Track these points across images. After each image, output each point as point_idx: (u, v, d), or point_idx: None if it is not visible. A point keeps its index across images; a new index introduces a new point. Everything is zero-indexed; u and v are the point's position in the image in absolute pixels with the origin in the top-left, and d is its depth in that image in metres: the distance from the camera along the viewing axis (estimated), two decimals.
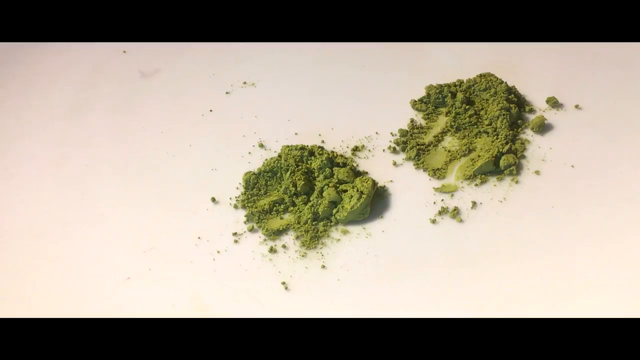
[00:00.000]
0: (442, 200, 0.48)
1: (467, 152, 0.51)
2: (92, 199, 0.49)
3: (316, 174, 0.49)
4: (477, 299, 0.42)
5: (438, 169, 0.50)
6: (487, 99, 0.54)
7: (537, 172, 0.49)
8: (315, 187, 0.48)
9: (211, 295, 0.43)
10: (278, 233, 0.46)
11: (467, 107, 0.53)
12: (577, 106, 0.54)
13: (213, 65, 0.61)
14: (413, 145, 0.51)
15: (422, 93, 0.56)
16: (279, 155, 0.50)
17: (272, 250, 0.45)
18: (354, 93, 0.57)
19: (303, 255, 0.45)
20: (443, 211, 0.47)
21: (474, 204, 0.48)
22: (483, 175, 0.49)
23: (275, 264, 0.45)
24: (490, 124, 0.52)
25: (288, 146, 0.50)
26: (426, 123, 0.54)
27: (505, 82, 0.55)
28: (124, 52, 0.63)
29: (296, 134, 0.53)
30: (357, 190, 0.47)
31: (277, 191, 0.49)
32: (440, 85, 0.55)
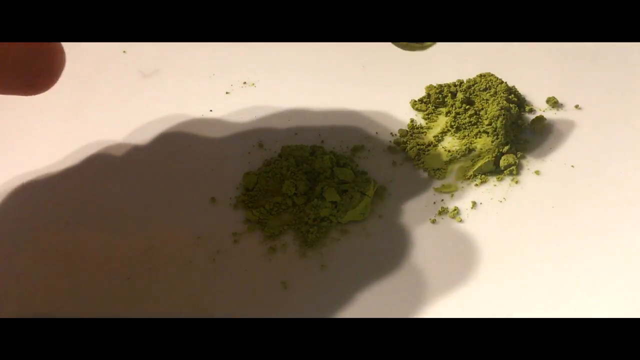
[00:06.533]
0: (442, 200, 0.48)
1: (467, 152, 0.51)
2: (91, 199, 0.49)
3: (316, 174, 0.49)
4: (477, 299, 0.42)
5: (438, 169, 0.50)
6: (487, 99, 0.54)
7: (537, 172, 0.49)
8: (315, 187, 0.48)
9: (211, 295, 0.43)
10: (278, 233, 0.46)
11: (467, 107, 0.53)
12: (577, 106, 0.54)
13: (213, 65, 0.61)
14: (413, 145, 0.51)
15: (422, 93, 0.56)
16: (279, 155, 0.50)
17: (272, 250, 0.45)
18: (354, 93, 0.57)
19: (303, 255, 0.45)
20: (443, 211, 0.47)
21: (474, 204, 0.48)
22: (483, 175, 0.49)
23: (275, 264, 0.45)
24: (490, 124, 0.52)
25: (288, 146, 0.50)
26: (426, 123, 0.54)
27: (505, 82, 0.55)
28: (124, 52, 0.63)
29: (296, 134, 0.53)
30: (357, 191, 0.47)
31: (277, 191, 0.48)
32: (440, 85, 0.55)
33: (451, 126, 0.53)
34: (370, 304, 0.43)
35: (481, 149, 0.51)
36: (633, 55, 0.58)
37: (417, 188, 0.49)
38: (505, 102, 0.53)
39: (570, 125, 0.53)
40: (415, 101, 0.55)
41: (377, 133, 0.53)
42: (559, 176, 0.49)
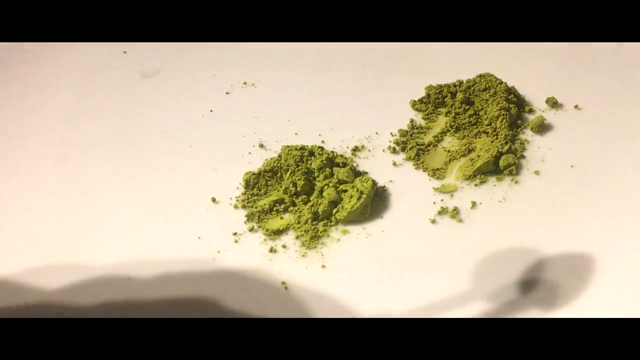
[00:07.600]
0: (442, 200, 0.48)
1: (466, 152, 0.51)
2: (92, 199, 0.49)
3: (316, 174, 0.49)
4: (477, 299, 0.42)
5: (438, 169, 0.50)
6: (486, 99, 0.54)
7: (536, 172, 0.49)
8: (315, 187, 0.48)
9: (211, 295, 0.44)
10: (278, 233, 0.46)
11: (466, 107, 0.53)
12: (576, 106, 0.54)
13: (213, 65, 0.61)
14: (413, 145, 0.52)
15: (422, 93, 0.56)
16: (279, 155, 0.50)
17: (272, 250, 0.46)
18: (354, 93, 0.57)
19: (303, 255, 0.45)
20: (443, 211, 0.47)
21: (474, 204, 0.48)
22: (483, 175, 0.49)
23: (275, 264, 0.45)
24: (490, 124, 0.52)
25: (288, 146, 0.50)
26: (426, 123, 0.54)
27: (505, 82, 0.55)
28: (124, 52, 0.63)
29: (296, 134, 0.53)
30: (357, 190, 0.47)
31: (277, 191, 0.49)
32: (440, 85, 0.55)
33: (451, 126, 0.53)
34: (370, 304, 0.43)
35: (481, 149, 0.51)
36: (632, 55, 0.58)
37: (417, 188, 0.49)
38: (504, 102, 0.53)
39: (569, 125, 0.53)
40: (415, 101, 0.55)
41: (377, 133, 0.53)
42: (558, 176, 0.49)
